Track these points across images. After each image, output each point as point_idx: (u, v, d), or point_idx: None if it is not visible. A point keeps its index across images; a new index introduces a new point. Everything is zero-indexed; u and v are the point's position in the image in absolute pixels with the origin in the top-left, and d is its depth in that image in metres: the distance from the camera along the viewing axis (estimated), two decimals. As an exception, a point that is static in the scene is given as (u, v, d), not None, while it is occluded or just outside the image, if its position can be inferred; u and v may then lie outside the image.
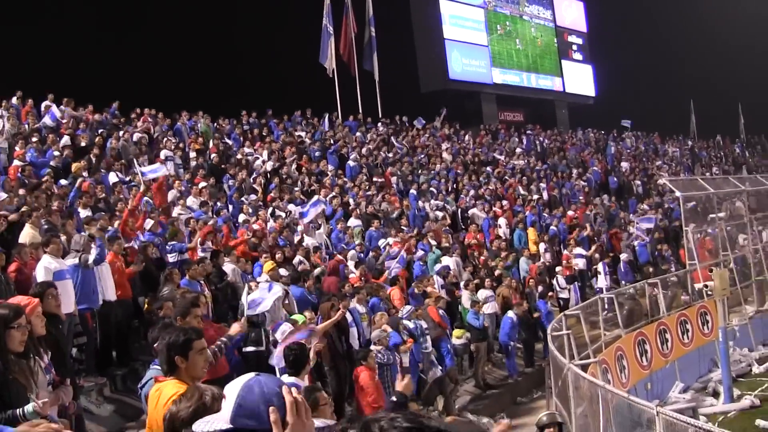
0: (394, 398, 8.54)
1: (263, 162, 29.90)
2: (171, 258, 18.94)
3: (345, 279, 21.17)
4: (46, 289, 10.93)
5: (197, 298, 11.18)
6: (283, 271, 19.11)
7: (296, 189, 28.02)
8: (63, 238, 16.16)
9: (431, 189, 32.91)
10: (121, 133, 27.93)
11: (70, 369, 10.93)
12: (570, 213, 35.63)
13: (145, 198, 21.94)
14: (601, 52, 63.61)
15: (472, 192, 34.08)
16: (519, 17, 58.98)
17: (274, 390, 3.44)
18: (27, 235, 15.94)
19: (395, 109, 44.58)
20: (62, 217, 17.98)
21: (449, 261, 25.51)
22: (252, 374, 3.57)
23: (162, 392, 6.07)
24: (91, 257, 15.03)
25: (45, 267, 13.91)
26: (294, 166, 30.87)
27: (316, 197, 26.02)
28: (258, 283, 17.26)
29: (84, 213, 19.32)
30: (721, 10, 67.27)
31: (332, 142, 35.56)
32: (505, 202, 34.00)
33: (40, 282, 12.39)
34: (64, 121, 27.19)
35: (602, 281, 28.53)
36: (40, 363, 8.28)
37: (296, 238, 23.06)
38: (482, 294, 23.70)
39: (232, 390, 3.42)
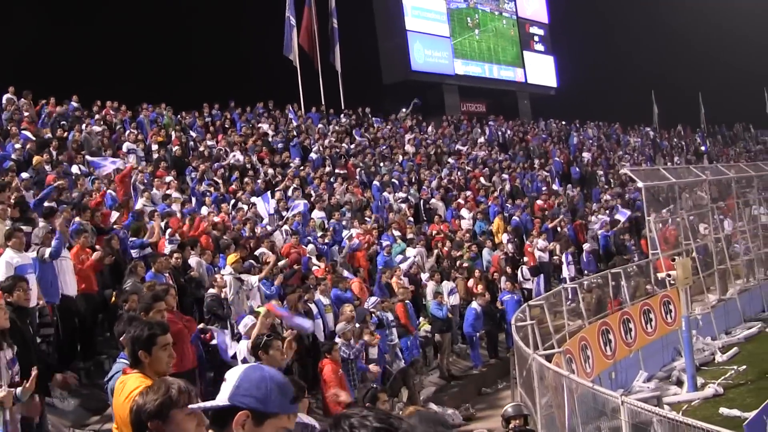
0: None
1: (232, 156, 29.89)
2: (134, 253, 18.82)
3: (308, 271, 21.13)
4: (17, 282, 10.90)
5: (165, 291, 11.13)
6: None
7: (259, 180, 27.94)
8: (35, 231, 16.09)
9: (393, 180, 32.85)
10: (83, 125, 27.73)
11: (35, 361, 10.85)
12: (539, 202, 35.76)
13: (109, 191, 21.87)
14: (563, 43, 63.77)
15: (434, 183, 34.09)
16: (490, 12, 59.22)
17: (275, 374, 3.57)
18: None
19: (358, 101, 44.53)
20: (20, 211, 17.76)
21: (413, 252, 25.55)
22: (254, 362, 3.70)
23: (125, 385, 6.06)
24: (48, 251, 14.89)
25: (7, 261, 13.78)
26: (255, 157, 30.78)
27: (299, 202, 26.07)
28: (222, 276, 17.24)
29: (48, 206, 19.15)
30: (681, 2, 67.60)
31: (295, 133, 35.50)
32: (468, 193, 34.02)
33: (11, 275, 12.31)
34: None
35: (566, 272, 28.67)
36: (3, 357, 8.21)
37: (258, 230, 23.02)
38: (446, 285, 23.77)
39: (234, 373, 3.60)
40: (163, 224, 20.51)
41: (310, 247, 23.08)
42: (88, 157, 23.96)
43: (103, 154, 24.82)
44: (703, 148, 61.72)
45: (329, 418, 2.71)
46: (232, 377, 3.56)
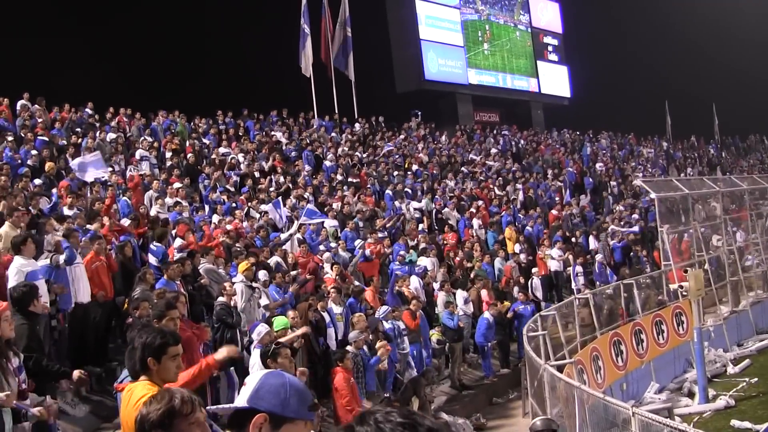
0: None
1: (245, 164, 29.98)
2: (153, 261, 18.85)
3: (320, 280, 21.14)
4: (31, 290, 10.93)
5: (176, 298, 11.13)
6: (262, 274, 19.06)
7: (271, 189, 27.94)
8: (47, 238, 16.12)
9: (407, 189, 32.84)
10: (98, 132, 27.81)
11: (47, 368, 10.87)
12: (554, 212, 35.75)
13: (124, 198, 21.93)
14: (576, 54, 63.72)
15: (447, 193, 34.08)
16: (504, 24, 59.28)
17: (294, 381, 3.66)
18: (3, 234, 15.77)
19: (371, 110, 44.57)
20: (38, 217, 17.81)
21: (426, 262, 25.54)
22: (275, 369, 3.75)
23: (133, 393, 6.09)
24: (62, 257, 14.92)
25: (17, 268, 13.80)
26: (269, 165, 30.79)
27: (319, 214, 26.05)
28: (233, 284, 17.22)
29: (69, 213, 19.16)
30: (695, 12, 67.48)
31: (308, 142, 35.54)
32: (480, 203, 33.97)
33: (25, 282, 12.33)
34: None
35: (574, 283, 28.67)
36: (10, 366, 8.24)
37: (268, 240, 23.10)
38: (460, 294, 23.79)
39: (254, 377, 3.65)
40: (174, 231, 20.61)
41: (327, 255, 23.13)
42: (71, 162, 23.81)
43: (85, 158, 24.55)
44: (712, 150, 61.90)
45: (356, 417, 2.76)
46: (251, 381, 3.60)
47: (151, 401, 4.50)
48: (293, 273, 20.51)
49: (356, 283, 22.27)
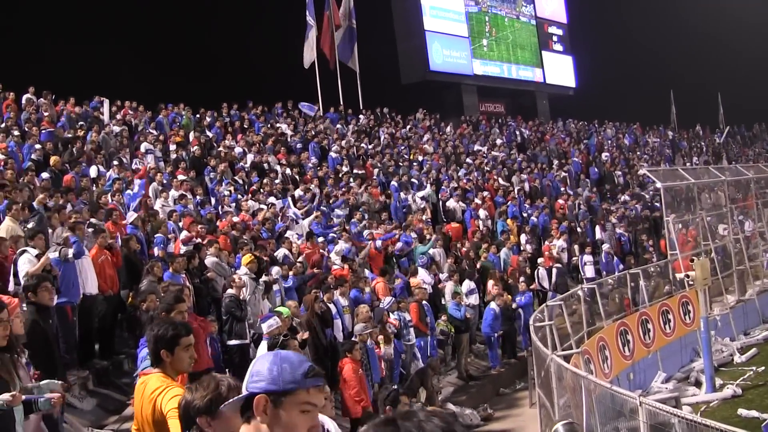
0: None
1: (250, 156, 29.97)
2: (157, 251, 18.82)
3: (327, 271, 21.10)
4: (42, 281, 10.93)
5: (181, 291, 11.14)
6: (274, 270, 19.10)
7: (277, 181, 27.91)
8: (56, 231, 16.14)
9: (412, 180, 32.80)
10: (104, 125, 27.81)
11: (58, 362, 10.88)
12: (560, 201, 35.73)
13: (127, 191, 21.90)
14: (581, 43, 63.52)
15: (452, 184, 34.02)
16: (506, 16, 59.04)
17: (287, 355, 3.58)
18: (6, 228, 15.78)
19: (376, 101, 44.47)
20: (30, 211, 17.73)
21: (432, 252, 25.53)
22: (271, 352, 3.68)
23: (147, 385, 6.08)
24: (71, 251, 14.93)
25: (27, 261, 13.80)
26: (273, 157, 30.76)
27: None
28: (240, 277, 17.22)
29: (68, 208, 19.16)
30: (700, 1, 67.32)
31: (314, 134, 35.50)
32: (485, 194, 33.90)
33: (35, 274, 12.36)
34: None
35: (583, 273, 28.68)
36: (19, 361, 8.25)
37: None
38: (466, 285, 23.78)
39: (251, 365, 3.61)
40: (181, 224, 20.59)
41: (338, 247, 23.09)
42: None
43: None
44: (717, 137, 61.76)
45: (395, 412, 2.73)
46: (249, 369, 3.56)
47: (197, 387, 4.56)
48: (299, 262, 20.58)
49: (367, 272, 22.31)
